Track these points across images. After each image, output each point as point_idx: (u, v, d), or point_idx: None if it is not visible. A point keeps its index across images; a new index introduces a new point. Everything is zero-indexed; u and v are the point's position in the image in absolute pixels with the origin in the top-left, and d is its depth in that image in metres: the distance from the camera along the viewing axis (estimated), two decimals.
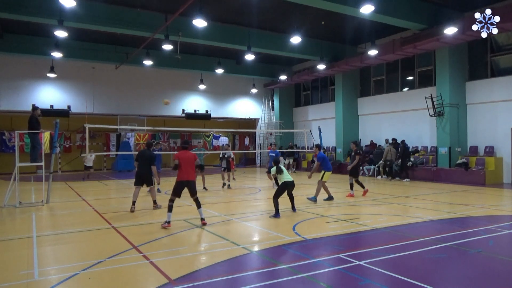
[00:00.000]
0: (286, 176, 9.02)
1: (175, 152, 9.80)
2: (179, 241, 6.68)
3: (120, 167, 24.39)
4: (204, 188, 13.97)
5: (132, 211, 9.38)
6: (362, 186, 12.10)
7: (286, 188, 8.97)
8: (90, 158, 18.90)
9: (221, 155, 15.01)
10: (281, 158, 23.08)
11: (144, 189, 11.22)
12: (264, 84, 28.05)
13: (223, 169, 14.75)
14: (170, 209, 7.63)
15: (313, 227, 7.71)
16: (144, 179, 9.63)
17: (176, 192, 7.73)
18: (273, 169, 9.11)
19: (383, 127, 21.08)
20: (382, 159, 18.10)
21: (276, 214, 8.56)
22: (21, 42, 19.58)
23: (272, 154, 14.39)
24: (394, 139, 18.38)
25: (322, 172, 10.89)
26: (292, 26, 17.82)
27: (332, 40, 21.27)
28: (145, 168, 9.52)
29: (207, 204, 10.60)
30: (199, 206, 7.85)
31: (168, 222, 7.54)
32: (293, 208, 9.26)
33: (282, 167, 9.13)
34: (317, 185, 11.00)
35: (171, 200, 7.70)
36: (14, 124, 23.07)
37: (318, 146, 11.91)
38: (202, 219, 7.76)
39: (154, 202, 10.02)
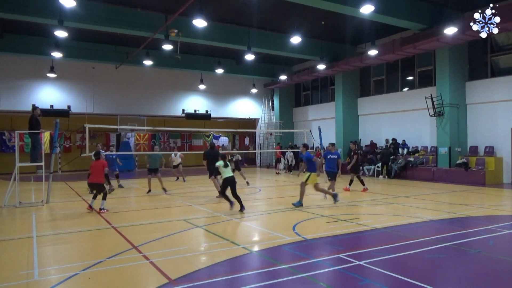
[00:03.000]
0: (226, 173, 9.36)
1: (174, 152, 10.23)
2: (179, 241, 6.69)
3: (119, 167, 24.29)
4: (164, 189, 13.29)
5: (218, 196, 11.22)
6: (363, 184, 13.02)
7: (228, 185, 9.24)
8: (175, 158, 17.18)
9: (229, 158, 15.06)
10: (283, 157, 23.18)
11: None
12: (264, 84, 28.04)
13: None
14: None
15: (313, 227, 7.71)
16: (214, 172, 11.44)
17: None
18: (220, 163, 9.37)
19: (383, 127, 21.08)
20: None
21: (232, 203, 9.40)
22: (21, 42, 19.57)
23: (333, 156, 11.69)
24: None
25: (307, 174, 9.91)
26: (292, 26, 17.81)
27: (332, 40, 21.26)
28: (214, 164, 10.84)
29: (207, 204, 10.61)
30: (95, 197, 9.69)
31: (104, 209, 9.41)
32: (240, 209, 9.14)
33: (224, 163, 9.36)
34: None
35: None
36: (14, 124, 23.08)
37: (306, 146, 10.63)
38: (92, 207, 9.49)
39: (219, 192, 11.12)
